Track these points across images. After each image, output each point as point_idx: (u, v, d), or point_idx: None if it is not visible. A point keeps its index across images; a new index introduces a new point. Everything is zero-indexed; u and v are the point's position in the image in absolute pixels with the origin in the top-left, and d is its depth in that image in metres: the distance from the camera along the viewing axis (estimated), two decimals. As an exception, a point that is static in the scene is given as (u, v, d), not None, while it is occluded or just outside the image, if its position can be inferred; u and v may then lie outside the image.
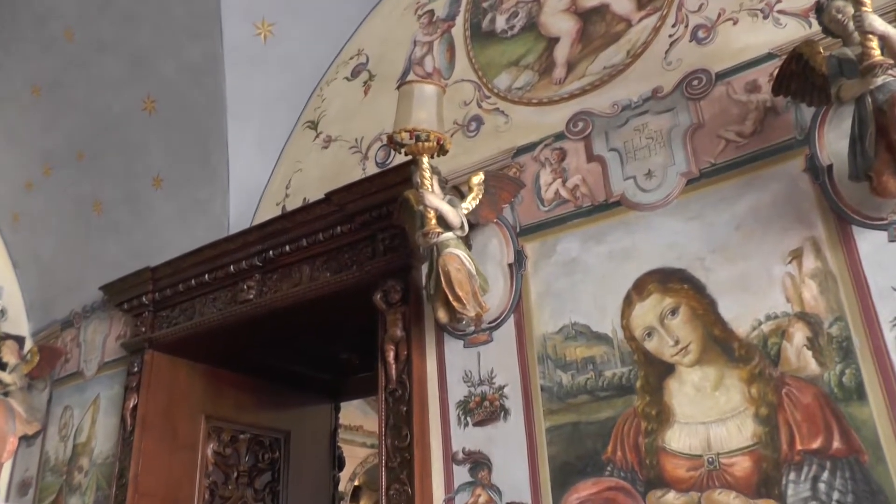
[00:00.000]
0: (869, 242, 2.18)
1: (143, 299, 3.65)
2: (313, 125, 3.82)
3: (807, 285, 2.23)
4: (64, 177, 4.31)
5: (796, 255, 2.27)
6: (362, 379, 4.33)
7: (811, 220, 2.29)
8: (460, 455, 2.60)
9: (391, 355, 2.75)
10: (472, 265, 2.61)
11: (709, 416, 2.24)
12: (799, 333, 2.20)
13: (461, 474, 2.58)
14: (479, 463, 2.56)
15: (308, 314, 3.21)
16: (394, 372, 2.74)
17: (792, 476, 2.09)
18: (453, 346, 2.74)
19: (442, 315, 2.60)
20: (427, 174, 2.59)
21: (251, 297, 3.23)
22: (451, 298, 2.53)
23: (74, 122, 4.10)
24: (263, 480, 3.87)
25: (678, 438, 2.27)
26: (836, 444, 2.06)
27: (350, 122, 3.66)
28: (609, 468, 2.32)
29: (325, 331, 3.48)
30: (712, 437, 2.22)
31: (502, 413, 2.56)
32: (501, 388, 2.59)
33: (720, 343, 2.29)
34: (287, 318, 3.26)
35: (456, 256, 2.57)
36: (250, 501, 3.76)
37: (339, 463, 4.34)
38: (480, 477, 2.54)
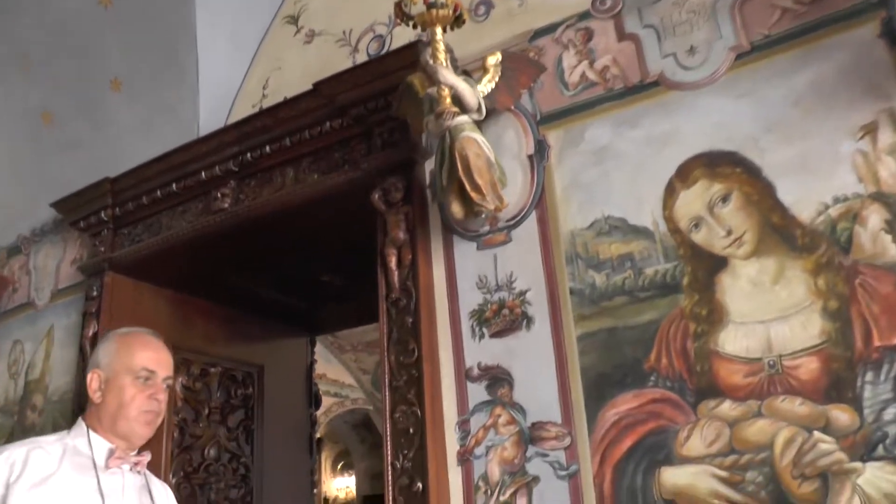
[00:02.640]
0: None
1: (102, 215, 3.29)
2: (293, 20, 3.47)
3: (883, 162, 1.99)
4: (7, 88, 3.88)
5: (869, 130, 2.03)
6: (341, 309, 4.02)
7: (888, 91, 2.05)
8: (475, 371, 2.33)
9: (393, 261, 2.46)
10: (490, 152, 2.31)
11: (768, 314, 2.01)
12: (874, 216, 1.97)
13: (477, 392, 2.32)
14: (497, 379, 2.29)
15: (292, 223, 2.89)
16: (396, 279, 2.44)
17: (869, 376, 1.87)
18: (465, 249, 2.45)
19: (456, 209, 2.30)
20: (441, 48, 2.27)
21: (226, 205, 2.90)
22: (468, 188, 2.23)
23: (18, 25, 3.67)
24: (237, 418, 3.58)
25: (733, 340, 2.03)
26: None
27: (336, 16, 3.32)
28: (653, 378, 2.07)
29: (306, 247, 3.17)
30: (773, 336, 1.98)
31: (524, 321, 2.29)
32: (523, 293, 2.31)
33: (780, 231, 2.05)
34: (267, 229, 2.94)
35: (474, 141, 2.27)
36: (223, 440, 3.47)
37: (315, 400, 4.05)
38: (500, 395, 2.28)
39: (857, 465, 1.83)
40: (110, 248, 3.34)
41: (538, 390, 2.23)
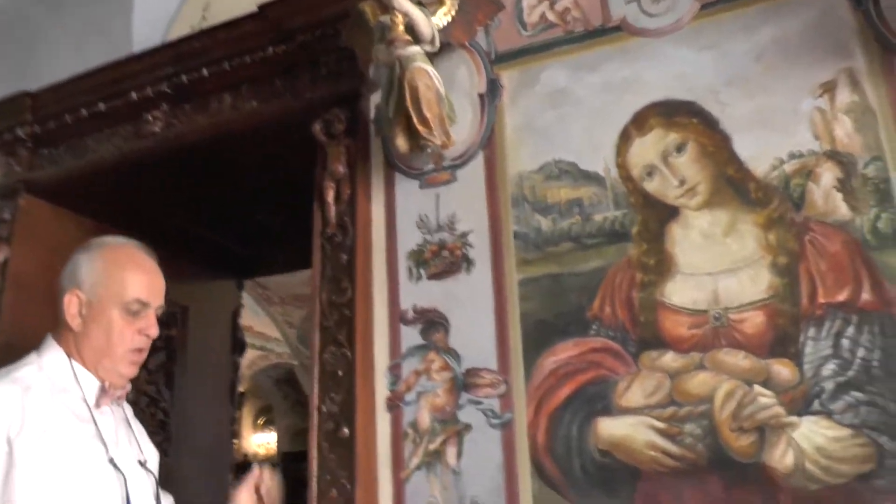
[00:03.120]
0: None
1: (20, 132, 3.04)
2: (241, -59, 3.23)
3: (840, 121, 1.96)
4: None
5: (828, 89, 2.00)
6: (274, 252, 3.85)
7: (849, 51, 2.02)
8: (410, 314, 2.23)
9: (331, 195, 2.33)
10: (441, 86, 2.19)
11: (718, 266, 1.97)
12: (828, 174, 1.94)
13: (411, 336, 2.22)
14: (433, 323, 2.20)
15: (227, 153, 2.73)
16: (333, 214, 2.32)
17: (811, 332, 1.85)
18: (406, 187, 2.34)
19: (401, 143, 2.19)
20: (396, -29, 2.13)
21: (157, 129, 2.71)
22: (416, 121, 2.12)
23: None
24: (157, 360, 3.40)
25: (680, 292, 1.98)
26: (866, 295, 1.84)
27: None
28: (595, 327, 2.01)
29: (240, 182, 3.00)
30: (721, 289, 1.94)
31: (464, 264, 2.19)
32: (465, 234, 2.22)
33: (734, 184, 2.01)
34: (200, 158, 2.76)
35: (426, 72, 2.15)
36: (142, 383, 3.28)
37: (240, 346, 3.90)
38: (435, 339, 2.18)
39: (794, 419, 1.82)
40: (27, 168, 3.10)
41: (475, 336, 2.15)
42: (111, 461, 1.52)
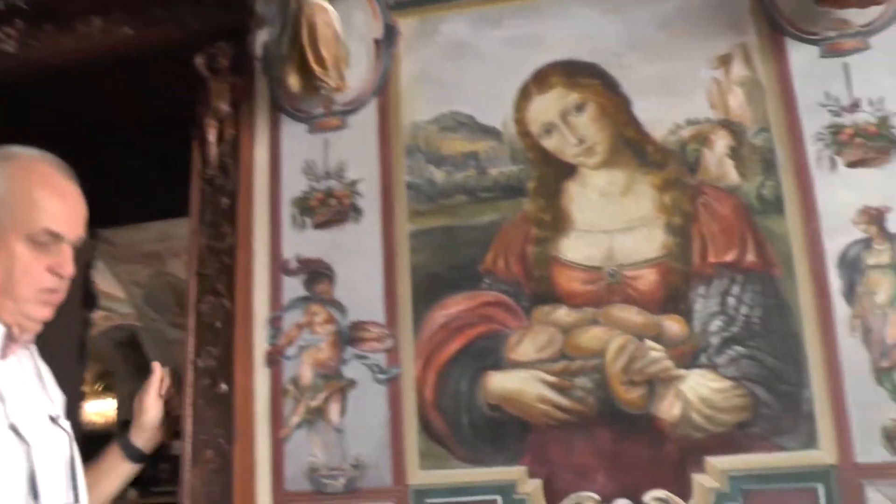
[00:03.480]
0: (801, 55, 2.05)
1: None
2: None
3: (734, 92, 2.05)
4: None
5: (724, 61, 2.08)
6: (135, 201, 3.53)
7: (743, 27, 2.10)
8: (294, 263, 2.10)
9: (212, 134, 2.16)
10: (340, 26, 2.07)
11: (614, 225, 1.98)
12: (721, 141, 2.01)
13: (293, 287, 2.10)
14: (317, 274, 2.08)
15: (95, 83, 2.46)
16: (214, 154, 2.15)
17: (701, 290, 1.90)
18: (294, 131, 2.21)
19: (293, 82, 2.06)
20: None
21: (10, 49, 2.40)
22: (311, 60, 2.00)
23: None
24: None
25: (575, 248, 1.98)
26: (750, 257, 1.92)
27: None
28: (488, 280, 1.97)
29: (106, 119, 2.73)
30: (616, 247, 1.95)
31: (353, 213, 2.09)
32: (354, 183, 2.12)
33: (632, 145, 2.04)
34: (61, 87, 2.47)
35: (325, 9, 2.03)
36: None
37: (92, 301, 3.58)
38: (319, 291, 2.06)
39: (682, 372, 1.86)
40: None
41: (362, 288, 2.05)
42: (12, 427, 1.22)
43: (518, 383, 1.91)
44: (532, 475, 1.87)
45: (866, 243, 1.89)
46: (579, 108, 2.08)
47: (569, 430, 1.87)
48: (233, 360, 2.04)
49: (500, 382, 1.92)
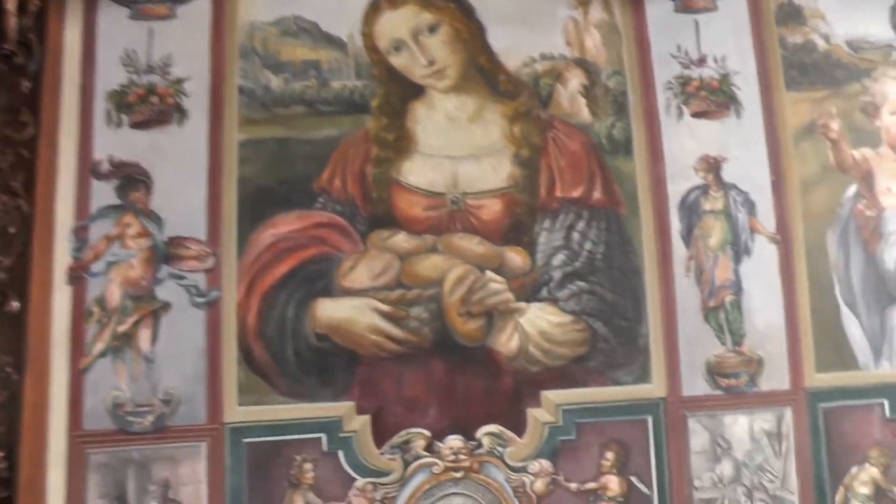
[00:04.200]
0: (656, 7, 2.28)
1: None
2: None
3: (591, 34, 2.23)
4: None
5: (583, 2, 2.26)
6: None
7: (604, -28, 2.27)
8: (106, 165, 2.01)
9: (11, 2, 1.98)
10: None
11: (460, 151, 2.10)
12: (575, 79, 2.19)
13: (104, 193, 2.01)
14: (133, 180, 2.01)
15: None
16: (14, 26, 1.98)
17: (546, 224, 2.06)
18: (113, 14, 2.12)
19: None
20: None
21: None
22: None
23: None
24: None
25: (419, 172, 2.07)
26: (597, 194, 2.10)
27: None
28: (322, 199, 2.01)
29: None
30: (461, 174, 2.07)
31: (177, 114, 2.05)
32: (180, 81, 2.07)
33: (484, 73, 2.17)
34: None
35: None
36: None
37: None
38: (133, 199, 1.99)
39: (522, 305, 1.99)
40: None
41: (183, 199, 2.01)
42: None
43: (349, 312, 1.94)
44: (360, 410, 1.92)
45: (704, 189, 2.12)
46: (432, 28, 2.16)
47: (401, 363, 1.94)
48: (28, 273, 1.91)
49: (329, 310, 1.95)
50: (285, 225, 2.01)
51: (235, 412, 1.90)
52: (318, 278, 1.98)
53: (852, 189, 2.25)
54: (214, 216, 2.02)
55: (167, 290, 1.97)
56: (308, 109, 2.10)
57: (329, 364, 1.94)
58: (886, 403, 2.12)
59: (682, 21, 2.27)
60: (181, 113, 2.08)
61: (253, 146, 2.06)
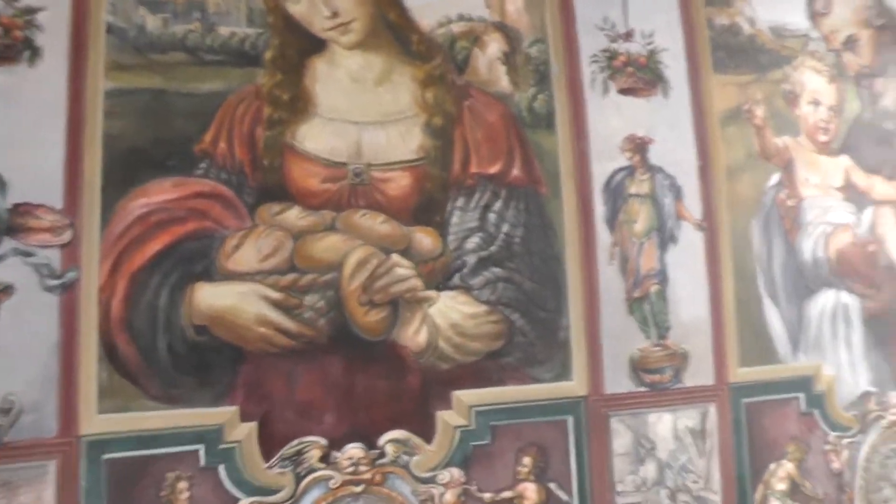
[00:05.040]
0: None
1: None
2: None
3: None
4: None
5: None
6: None
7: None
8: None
9: None
10: None
11: (365, 116, 1.94)
12: (494, 44, 2.07)
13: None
14: (-33, 130, 1.71)
15: None
16: None
17: (460, 202, 1.95)
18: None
19: None
20: None
21: None
22: None
23: None
24: None
25: (317, 137, 1.90)
26: (516, 171, 2.00)
27: None
28: (204, 165, 1.81)
29: None
30: (366, 142, 1.92)
31: (27, 52, 1.77)
32: (32, 11, 1.80)
33: (395, 30, 2.02)
34: None
35: None
36: None
37: None
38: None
39: (432, 293, 1.87)
40: None
41: (33, 157, 1.74)
42: None
43: (234, 299, 1.75)
44: (244, 417, 1.72)
45: (630, 171, 2.06)
46: (338, -27, 1.98)
47: (292, 360, 1.77)
48: None
49: (210, 297, 1.75)
50: (160, 193, 1.79)
51: (94, 422, 1.65)
52: (197, 259, 1.77)
53: (775, 177, 2.28)
54: (73, 180, 1.75)
55: (10, 270, 1.68)
56: (190, 57, 1.88)
57: (208, 362, 1.73)
58: (802, 397, 2.16)
59: (609, -10, 2.19)
60: (33, 51, 1.80)
61: (122, 97, 1.82)
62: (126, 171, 1.77)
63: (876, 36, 2.54)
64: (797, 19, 2.43)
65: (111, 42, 1.83)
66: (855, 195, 2.42)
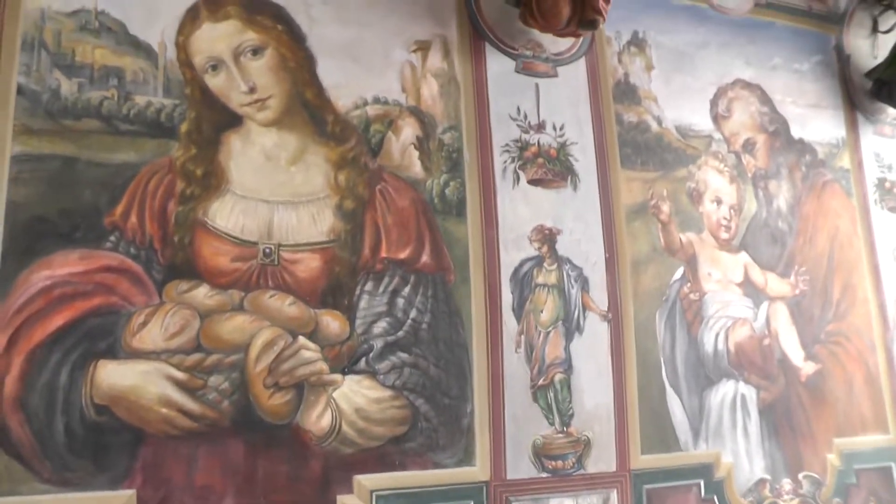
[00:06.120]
0: (499, 65, 2.39)
1: None
2: None
3: (428, 82, 2.29)
4: None
5: (422, 48, 2.32)
6: None
7: (447, 19, 2.38)
8: None
9: None
10: None
11: (277, 195, 2.04)
12: (409, 129, 2.22)
13: None
14: None
15: None
16: None
17: (369, 286, 2.05)
18: None
19: None
20: None
21: None
22: None
23: None
24: None
25: (229, 215, 1.99)
26: (426, 258, 2.12)
27: None
28: (113, 238, 1.87)
29: None
30: (277, 222, 2.02)
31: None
32: (-62, 67, 1.82)
33: (311, 110, 2.14)
34: None
35: None
36: None
37: None
38: None
39: (337, 377, 1.96)
40: None
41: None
42: None
43: (136, 378, 1.80)
44: (142, 502, 1.75)
45: (538, 261, 2.21)
46: (256, 51, 2.11)
47: (194, 443, 1.82)
48: None
49: (113, 375, 1.79)
50: (66, 266, 1.83)
51: (-26, 509, 1.63)
52: (101, 335, 1.81)
53: (679, 272, 2.45)
54: (-32, 247, 1.76)
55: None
56: (104, 126, 1.95)
57: (107, 443, 1.75)
58: (702, 483, 2.31)
59: (522, 82, 2.40)
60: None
61: (31, 163, 1.86)
62: (30, 240, 1.80)
63: (769, 140, 2.80)
64: (701, 120, 2.66)
65: (21, 104, 1.89)
66: (752, 291, 2.61)
